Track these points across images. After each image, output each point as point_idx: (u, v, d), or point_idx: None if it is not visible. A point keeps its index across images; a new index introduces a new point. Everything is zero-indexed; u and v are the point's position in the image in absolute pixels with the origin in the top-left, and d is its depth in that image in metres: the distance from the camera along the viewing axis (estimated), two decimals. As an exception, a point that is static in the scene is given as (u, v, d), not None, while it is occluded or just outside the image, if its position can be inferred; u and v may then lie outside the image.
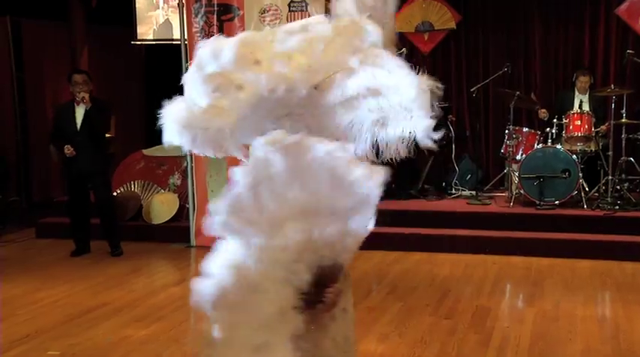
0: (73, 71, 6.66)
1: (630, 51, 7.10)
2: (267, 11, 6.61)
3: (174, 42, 8.49)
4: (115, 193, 7.54)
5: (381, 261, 6.18)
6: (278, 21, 6.59)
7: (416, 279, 5.59)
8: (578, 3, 8.22)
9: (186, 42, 6.83)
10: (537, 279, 5.55)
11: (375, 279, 5.64)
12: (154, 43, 9.62)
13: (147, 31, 9.50)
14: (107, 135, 6.89)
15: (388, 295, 5.12)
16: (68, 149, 6.35)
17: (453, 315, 4.63)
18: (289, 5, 6.55)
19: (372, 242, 7.20)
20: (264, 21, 6.62)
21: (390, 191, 7.73)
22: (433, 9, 8.90)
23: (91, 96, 6.46)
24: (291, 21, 6.52)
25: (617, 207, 6.68)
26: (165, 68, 8.97)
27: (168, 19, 9.44)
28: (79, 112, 6.41)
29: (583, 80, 7.42)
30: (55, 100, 9.46)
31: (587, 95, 7.44)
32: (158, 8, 9.44)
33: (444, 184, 7.99)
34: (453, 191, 7.79)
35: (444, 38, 8.88)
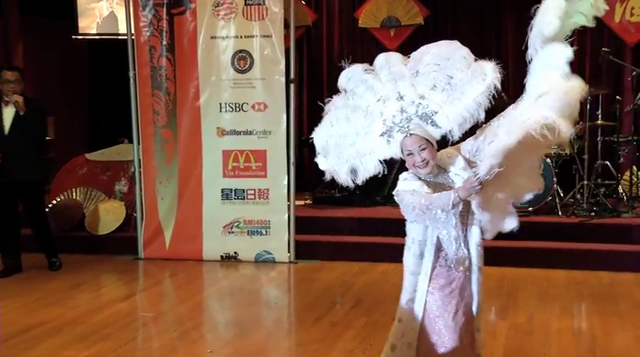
0: (2, 67, 6.34)
1: (605, 49, 7.26)
2: (222, 4, 6.59)
3: (119, 37, 8.41)
4: (54, 202, 7.45)
5: (344, 272, 6.21)
6: (233, 15, 6.58)
7: (382, 292, 5.62)
8: (551, -2, 8.40)
9: (133, 37, 6.77)
10: (510, 290, 5.63)
11: (339, 292, 5.66)
12: (97, 37, 9.52)
13: (89, 24, 9.40)
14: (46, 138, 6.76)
15: (352, 309, 5.14)
16: None
17: (421, 330, 4.66)
18: (245, -2, 6.56)
19: (335, 252, 7.29)
20: (217, 15, 6.61)
21: (353, 198, 7.81)
22: (400, 3, 9.01)
23: (24, 96, 6.19)
24: (247, 16, 6.53)
25: (593, 213, 6.83)
26: (110, 65, 8.91)
27: (113, 11, 9.36)
28: (8, 114, 6.14)
29: None
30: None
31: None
32: (102, 0, 9.35)
33: (411, 190, 8.06)
34: (422, 198, 7.86)
35: (412, 34, 8.98)
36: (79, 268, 6.51)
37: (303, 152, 9.19)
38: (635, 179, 7.46)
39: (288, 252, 6.64)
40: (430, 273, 3.08)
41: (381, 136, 3.04)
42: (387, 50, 9.37)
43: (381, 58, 3.14)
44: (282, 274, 6.41)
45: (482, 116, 2.91)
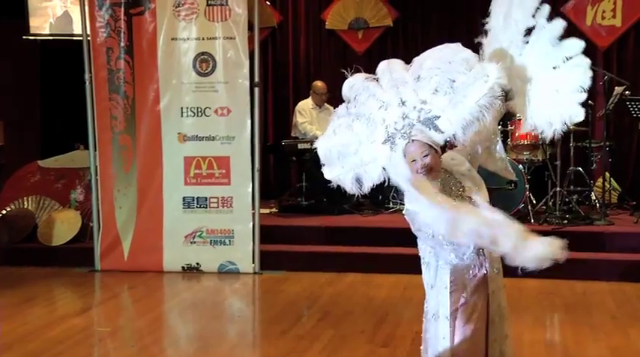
0: None
1: (577, 53, 7.38)
2: (182, 5, 6.57)
3: (74, 38, 8.32)
4: (4, 211, 7.35)
5: (311, 283, 6.21)
6: (194, 16, 6.56)
7: (350, 303, 5.64)
8: None
9: (88, 38, 6.71)
10: (482, 300, 5.68)
11: (306, 303, 5.66)
12: (50, 38, 9.41)
13: (42, 24, 9.28)
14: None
15: (320, 321, 5.15)
16: None
17: (390, 342, 4.69)
18: (207, -1, 6.54)
19: (302, 262, 7.28)
20: (178, 16, 6.59)
21: (321, 206, 7.82)
22: (368, 4, 9.06)
23: None
24: (209, 17, 6.52)
25: (566, 221, 6.93)
26: (64, 68, 8.81)
27: (67, 11, 9.25)
28: None
29: None
30: None
31: (533, 100, 7.70)
32: (55, -2, 9.26)
33: (380, 197, 8.10)
34: (391, 205, 7.91)
35: (380, 36, 9.04)
36: (31, 282, 6.41)
37: (269, 158, 9.18)
38: (608, 186, 7.60)
39: (253, 262, 6.62)
40: (449, 284, 3.13)
41: (384, 144, 3.08)
42: (354, 53, 9.46)
43: (383, 65, 3.19)
44: (247, 286, 6.39)
45: (489, 119, 2.94)
